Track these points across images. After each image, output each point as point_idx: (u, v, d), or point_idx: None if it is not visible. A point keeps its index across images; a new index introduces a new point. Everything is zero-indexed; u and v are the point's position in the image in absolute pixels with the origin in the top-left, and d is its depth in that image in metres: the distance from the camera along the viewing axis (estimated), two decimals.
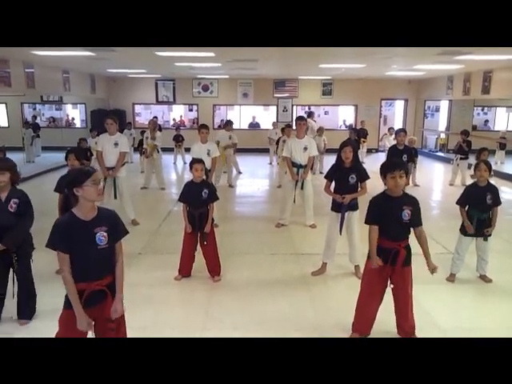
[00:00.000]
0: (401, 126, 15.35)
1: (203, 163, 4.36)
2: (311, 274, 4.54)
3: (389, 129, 12.66)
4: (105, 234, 2.35)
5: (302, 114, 15.76)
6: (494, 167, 5.23)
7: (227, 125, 9.46)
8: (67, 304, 2.35)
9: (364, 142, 12.94)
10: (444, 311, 3.86)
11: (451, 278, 4.42)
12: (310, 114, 12.50)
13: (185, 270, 4.42)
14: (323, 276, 4.55)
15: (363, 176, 4.29)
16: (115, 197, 6.11)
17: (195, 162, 4.32)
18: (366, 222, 3.10)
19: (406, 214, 3.00)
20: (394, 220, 3.00)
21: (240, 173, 10.92)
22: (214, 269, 4.42)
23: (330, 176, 4.41)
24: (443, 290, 4.27)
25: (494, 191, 4.24)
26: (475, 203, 4.24)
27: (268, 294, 4.16)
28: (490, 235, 4.29)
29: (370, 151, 14.44)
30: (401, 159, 6.06)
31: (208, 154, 5.86)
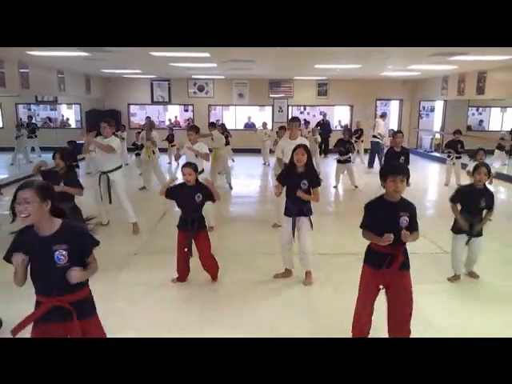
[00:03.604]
0: (396, 127, 15.44)
1: (193, 167, 4.15)
2: (273, 276, 4.48)
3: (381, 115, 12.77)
4: (64, 252, 2.17)
5: (298, 114, 15.88)
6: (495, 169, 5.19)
7: (222, 128, 9.55)
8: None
9: (361, 142, 13.02)
10: (438, 310, 3.87)
11: (454, 279, 4.39)
12: (383, 115, 13.02)
13: (182, 277, 4.35)
14: (318, 276, 4.56)
15: (314, 182, 4.14)
16: (110, 201, 6.05)
17: (184, 166, 4.17)
18: (360, 226, 3.00)
19: (404, 220, 2.87)
20: (391, 226, 2.84)
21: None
22: (214, 271, 4.38)
23: (281, 180, 4.21)
24: (437, 290, 4.28)
25: (490, 196, 4.20)
26: (469, 205, 4.19)
27: (264, 293, 4.17)
28: (479, 235, 4.26)
29: (365, 151, 14.48)
30: (399, 162, 6.10)
31: (196, 155, 5.72)
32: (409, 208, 2.93)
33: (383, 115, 13.06)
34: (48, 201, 2.16)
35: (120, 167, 6.08)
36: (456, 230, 4.32)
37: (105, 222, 6.26)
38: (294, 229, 4.24)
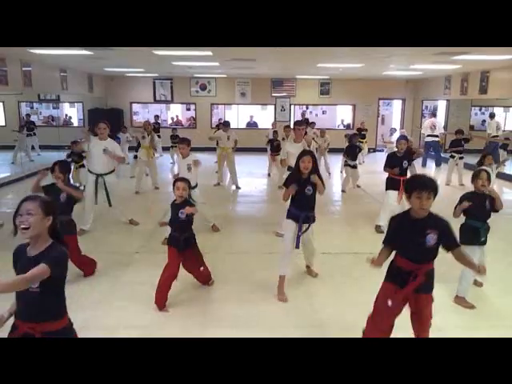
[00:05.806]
0: (398, 126, 15.40)
1: (186, 182, 3.99)
2: (278, 299, 4.06)
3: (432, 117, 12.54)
4: None
5: (300, 112, 15.85)
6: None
7: (224, 126, 9.46)
8: None
9: (365, 142, 12.99)
10: (441, 310, 3.86)
11: (466, 304, 4.02)
12: (434, 115, 13.04)
13: (161, 301, 3.86)
14: (320, 274, 4.56)
15: (320, 178, 4.00)
16: (109, 204, 6.04)
17: (177, 180, 4.01)
18: (383, 242, 2.85)
19: (431, 239, 2.64)
20: (415, 244, 2.67)
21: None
22: (206, 279, 4.31)
23: (288, 185, 4.00)
24: (438, 289, 4.26)
25: (491, 198, 4.01)
26: (477, 212, 3.94)
27: (266, 292, 4.16)
28: (484, 243, 4.03)
29: (368, 151, 14.48)
30: (402, 166, 6.01)
31: (188, 169, 5.54)
32: (438, 224, 2.69)
33: (435, 114, 13.03)
34: (50, 217, 2.11)
35: (114, 170, 6.17)
36: (466, 240, 3.87)
37: (87, 227, 5.96)
38: (299, 238, 4.05)
